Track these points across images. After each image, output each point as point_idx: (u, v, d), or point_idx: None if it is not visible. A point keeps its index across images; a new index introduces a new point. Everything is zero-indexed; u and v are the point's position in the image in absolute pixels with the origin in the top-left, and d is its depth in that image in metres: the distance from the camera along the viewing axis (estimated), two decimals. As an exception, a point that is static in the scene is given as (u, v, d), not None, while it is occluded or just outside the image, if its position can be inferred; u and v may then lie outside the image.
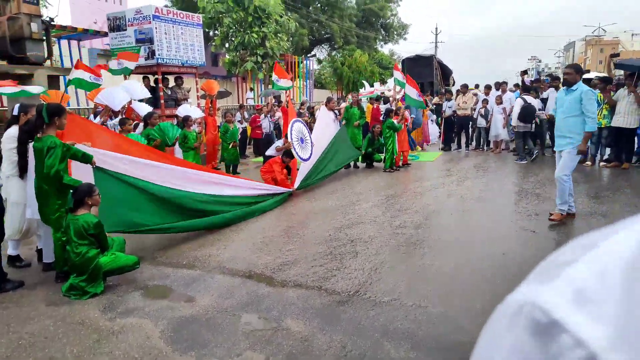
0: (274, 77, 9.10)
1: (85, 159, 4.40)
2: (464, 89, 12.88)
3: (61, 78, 9.59)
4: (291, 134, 7.56)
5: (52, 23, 9.54)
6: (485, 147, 12.50)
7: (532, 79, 14.19)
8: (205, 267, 4.51)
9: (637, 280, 0.26)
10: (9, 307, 3.78)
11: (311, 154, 7.93)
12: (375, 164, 10.56)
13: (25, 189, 4.50)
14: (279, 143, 7.98)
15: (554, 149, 5.64)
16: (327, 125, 9.25)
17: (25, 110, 4.60)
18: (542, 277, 0.30)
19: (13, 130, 4.54)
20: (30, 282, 4.28)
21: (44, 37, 8.55)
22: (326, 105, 9.63)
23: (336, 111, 9.85)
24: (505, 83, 12.75)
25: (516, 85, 13.67)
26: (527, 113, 9.87)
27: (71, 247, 3.94)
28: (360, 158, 10.46)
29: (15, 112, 4.64)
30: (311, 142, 8.06)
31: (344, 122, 10.30)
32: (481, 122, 12.14)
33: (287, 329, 3.25)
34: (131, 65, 8.97)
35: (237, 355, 2.95)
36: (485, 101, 12.05)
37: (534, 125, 10.42)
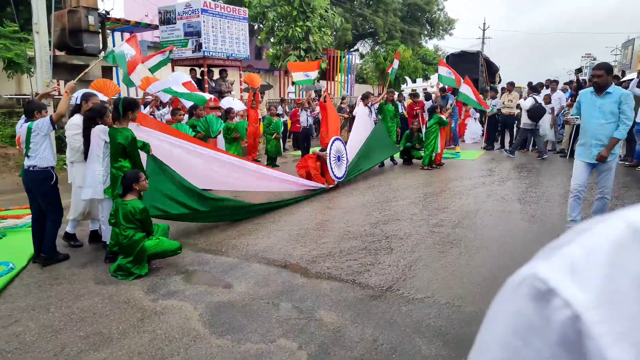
0: (294, 75, 9.08)
1: (145, 148, 4.82)
2: (510, 86, 12.49)
3: (114, 69, 10.05)
4: (330, 151, 7.63)
5: (108, 16, 10.00)
6: (530, 148, 12.10)
7: (587, 78, 13.59)
8: (243, 256, 4.65)
9: (619, 257, 0.32)
10: (62, 283, 4.05)
11: (345, 172, 8.04)
12: (414, 160, 10.45)
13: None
14: (316, 149, 8.17)
15: (581, 159, 4.82)
16: (363, 122, 9.26)
17: (87, 99, 4.93)
18: (543, 256, 0.36)
19: (76, 119, 4.86)
20: (82, 261, 4.57)
21: (100, 30, 8.98)
22: (362, 101, 9.62)
23: (371, 107, 9.79)
24: (556, 82, 12.27)
25: (567, 84, 13.06)
26: (536, 113, 10.59)
27: (120, 230, 4.18)
28: (398, 154, 10.39)
29: (78, 101, 4.96)
30: (347, 160, 8.16)
31: (379, 116, 10.19)
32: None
33: (319, 319, 3.32)
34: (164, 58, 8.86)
35: (271, 342, 3.04)
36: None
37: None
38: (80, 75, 5.10)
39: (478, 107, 11.37)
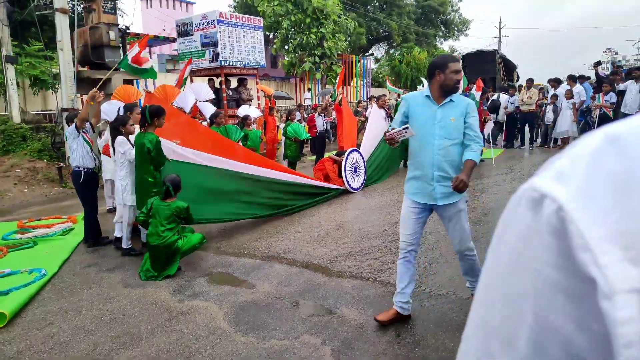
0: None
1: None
2: (529, 83, 12.35)
3: (134, 81, 10.33)
4: (346, 162, 7.67)
5: (128, 31, 10.30)
6: (550, 145, 11.93)
7: (609, 72, 13.37)
8: (265, 257, 4.73)
9: (596, 159, 0.38)
10: (91, 287, 4.19)
11: (363, 183, 8.04)
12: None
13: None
14: (332, 153, 8.23)
15: (414, 198, 3.16)
16: (377, 124, 9.25)
17: (131, 111, 5.27)
18: (539, 172, 0.42)
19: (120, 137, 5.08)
20: (109, 266, 4.71)
21: (121, 44, 9.26)
22: (376, 103, 9.63)
23: (386, 109, 9.78)
24: (575, 77, 12.11)
25: (582, 77, 12.72)
26: (491, 108, 11.62)
27: (157, 231, 4.33)
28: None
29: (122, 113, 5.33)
30: (364, 171, 8.17)
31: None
32: (549, 119, 11.63)
33: (342, 316, 3.36)
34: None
35: (295, 339, 3.09)
36: (555, 96, 11.50)
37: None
38: (99, 84, 5.63)
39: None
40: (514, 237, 0.42)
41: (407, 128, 2.97)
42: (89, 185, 5.22)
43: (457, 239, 3.16)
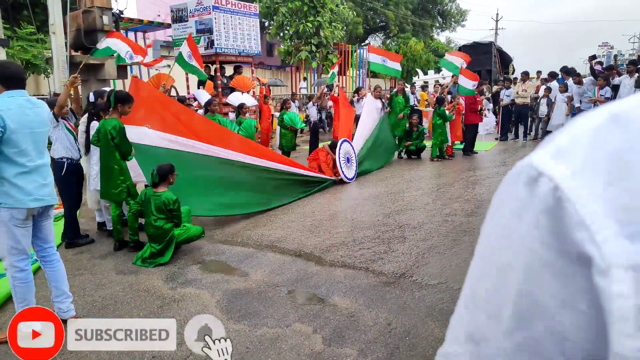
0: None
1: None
2: (525, 76, 12.36)
3: (129, 68, 10.22)
4: (339, 153, 7.65)
5: (121, 16, 10.15)
6: (545, 138, 12.01)
7: (604, 66, 13.36)
8: (258, 246, 4.73)
9: (598, 137, 0.38)
10: (84, 274, 4.18)
11: (355, 173, 8.03)
12: (422, 154, 10.31)
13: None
14: (326, 143, 8.22)
15: None
16: (372, 114, 9.24)
17: (102, 96, 5.07)
18: (538, 148, 0.42)
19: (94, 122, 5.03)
20: (102, 253, 4.70)
21: (114, 29, 9.13)
22: (372, 93, 9.61)
23: (384, 100, 9.77)
24: (570, 70, 12.12)
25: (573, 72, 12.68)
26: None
27: (150, 220, 4.33)
28: (403, 149, 10.26)
29: (92, 99, 5.12)
30: (355, 160, 8.15)
31: (388, 108, 10.04)
32: (543, 112, 11.67)
33: (334, 305, 3.38)
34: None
35: (287, 326, 3.12)
36: (548, 89, 11.53)
37: None
38: (80, 67, 5.55)
39: (473, 93, 10.10)
40: (508, 213, 0.42)
41: None
42: (71, 178, 4.74)
43: None
